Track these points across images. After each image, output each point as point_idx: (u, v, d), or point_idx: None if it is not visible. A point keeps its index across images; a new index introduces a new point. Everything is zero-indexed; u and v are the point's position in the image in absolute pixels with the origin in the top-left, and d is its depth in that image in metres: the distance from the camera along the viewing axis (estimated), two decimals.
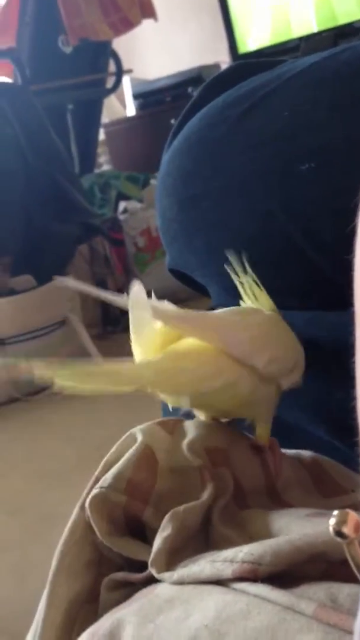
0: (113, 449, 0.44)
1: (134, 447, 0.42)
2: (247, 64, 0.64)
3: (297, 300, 0.54)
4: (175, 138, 0.62)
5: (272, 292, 0.55)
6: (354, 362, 0.30)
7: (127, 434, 0.44)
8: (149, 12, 2.86)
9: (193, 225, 0.58)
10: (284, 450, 0.48)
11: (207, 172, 0.57)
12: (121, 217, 2.63)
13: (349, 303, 0.45)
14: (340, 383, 0.43)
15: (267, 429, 0.46)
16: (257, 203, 0.53)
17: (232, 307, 0.50)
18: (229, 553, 0.34)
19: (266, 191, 0.52)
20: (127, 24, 2.82)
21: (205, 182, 0.57)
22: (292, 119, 0.53)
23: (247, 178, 0.54)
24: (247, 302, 0.50)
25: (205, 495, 0.40)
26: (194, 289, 0.66)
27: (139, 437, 0.43)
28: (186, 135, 0.60)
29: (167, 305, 0.45)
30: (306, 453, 0.49)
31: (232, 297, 0.58)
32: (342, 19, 2.85)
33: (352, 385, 0.29)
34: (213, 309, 0.64)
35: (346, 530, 0.25)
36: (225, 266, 0.50)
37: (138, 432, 0.44)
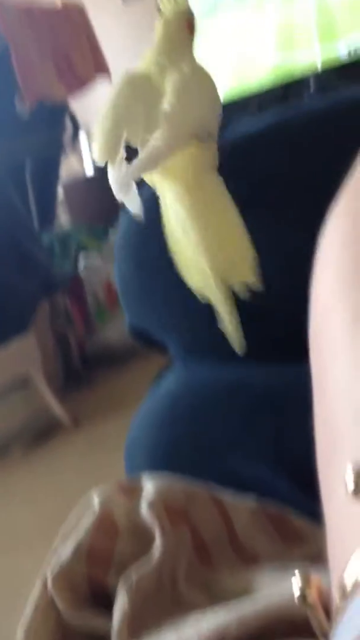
0: (70, 517, 0.43)
1: (91, 513, 0.42)
2: None
3: (253, 353, 0.54)
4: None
5: (226, 347, 0.55)
6: (313, 418, 0.29)
7: (84, 498, 0.43)
8: (102, 68, 2.93)
9: (151, 282, 0.60)
10: (245, 500, 0.47)
11: (162, 232, 0.58)
12: (81, 271, 2.63)
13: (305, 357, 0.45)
14: (301, 434, 0.42)
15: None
16: None
17: None
18: (194, 624, 0.33)
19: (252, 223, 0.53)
20: (81, 82, 2.88)
21: (161, 242, 0.58)
22: (257, 175, 0.55)
23: None
24: None
25: (156, 554, 0.40)
26: (153, 348, 0.67)
27: (96, 502, 0.42)
28: (145, 198, 0.61)
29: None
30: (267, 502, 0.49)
31: (191, 351, 0.59)
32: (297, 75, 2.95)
33: (313, 438, 0.28)
34: (170, 363, 0.64)
35: (309, 596, 0.24)
36: None
37: (95, 497, 0.43)
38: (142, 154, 0.53)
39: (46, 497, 1.66)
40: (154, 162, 0.53)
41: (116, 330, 2.42)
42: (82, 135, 3.25)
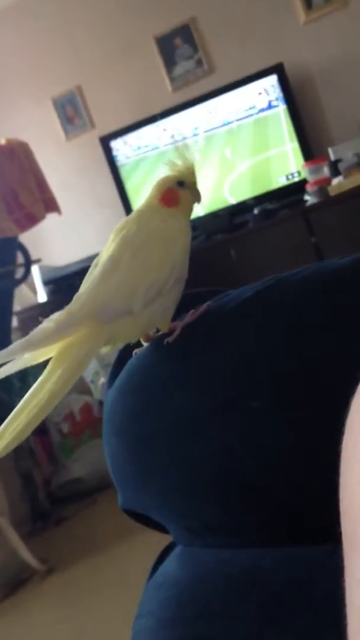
0: None
1: None
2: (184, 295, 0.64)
3: (266, 536, 0.51)
4: (117, 376, 0.61)
5: (235, 530, 0.52)
6: (345, 605, 0.27)
7: None
8: (52, 207, 3.00)
9: (146, 466, 0.56)
10: None
11: (155, 410, 0.55)
12: None
13: (320, 537, 0.43)
14: (332, 628, 0.40)
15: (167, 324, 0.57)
16: (213, 440, 0.51)
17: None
18: None
19: (222, 427, 0.50)
20: (32, 219, 2.94)
21: (155, 421, 0.55)
22: (241, 350, 0.52)
23: (200, 415, 0.52)
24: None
25: None
26: (151, 527, 0.62)
27: None
28: (130, 374, 0.59)
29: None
30: None
31: (196, 536, 0.55)
32: (234, 199, 3.09)
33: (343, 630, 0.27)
34: (172, 545, 0.60)
35: None
36: None
37: None
38: (30, 334, 0.52)
39: None
40: (38, 344, 0.52)
41: (82, 463, 2.36)
42: (33, 267, 3.30)
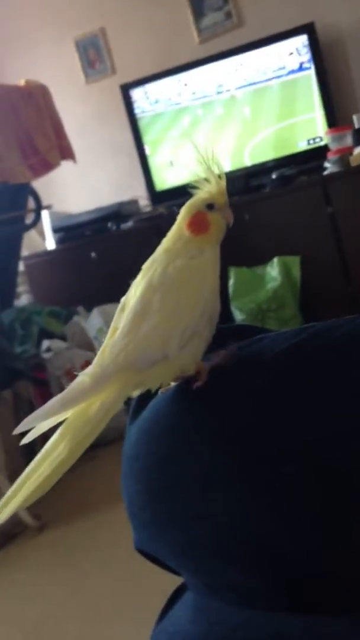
0: None
1: None
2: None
3: (288, 601, 0.49)
4: (139, 414, 0.59)
5: (255, 592, 0.50)
6: None
7: None
8: (68, 154, 2.95)
9: (167, 516, 0.53)
10: None
11: (180, 461, 0.52)
12: (45, 355, 2.59)
13: (345, 605, 0.41)
14: None
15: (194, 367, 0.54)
16: (238, 499, 0.48)
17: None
18: None
19: (248, 488, 0.48)
20: (46, 166, 2.88)
21: (180, 471, 0.52)
22: (273, 410, 0.49)
23: (225, 472, 0.49)
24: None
25: None
26: (166, 569, 0.60)
27: None
28: (154, 418, 0.56)
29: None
30: None
31: (211, 589, 0.53)
32: (252, 160, 3.03)
33: None
34: (183, 586, 0.59)
35: None
36: None
37: None
38: (66, 390, 0.50)
39: (19, 611, 1.57)
40: (76, 401, 0.49)
41: None
42: (44, 213, 3.26)
